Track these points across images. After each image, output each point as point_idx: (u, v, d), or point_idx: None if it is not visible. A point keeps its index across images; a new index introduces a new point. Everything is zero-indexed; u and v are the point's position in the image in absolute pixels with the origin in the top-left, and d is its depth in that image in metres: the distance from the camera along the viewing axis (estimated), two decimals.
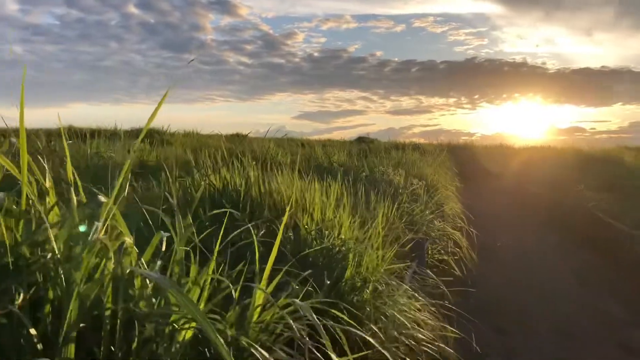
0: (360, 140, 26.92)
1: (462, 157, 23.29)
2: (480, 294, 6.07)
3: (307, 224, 3.67)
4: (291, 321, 2.07)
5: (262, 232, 3.36)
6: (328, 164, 7.03)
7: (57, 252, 1.74)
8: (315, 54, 51.52)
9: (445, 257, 6.16)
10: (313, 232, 3.57)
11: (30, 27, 46.28)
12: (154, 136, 20.40)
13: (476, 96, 53.44)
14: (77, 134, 9.77)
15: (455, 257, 6.35)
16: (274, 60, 51.34)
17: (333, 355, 1.94)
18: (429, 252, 6.02)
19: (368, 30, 54.90)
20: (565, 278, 7.46)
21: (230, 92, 52.42)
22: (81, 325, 1.68)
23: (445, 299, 5.93)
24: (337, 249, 3.41)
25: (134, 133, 20.41)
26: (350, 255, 3.27)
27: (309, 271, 2.75)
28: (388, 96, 53.00)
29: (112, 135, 18.82)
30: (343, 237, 3.60)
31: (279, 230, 2.50)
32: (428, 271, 4.77)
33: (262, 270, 2.30)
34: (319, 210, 3.80)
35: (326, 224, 3.65)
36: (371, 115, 50.84)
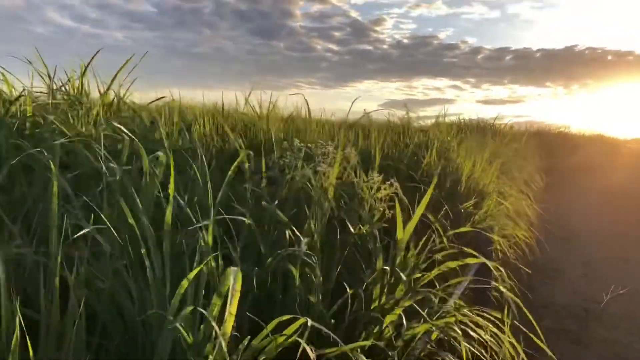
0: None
1: (552, 147, 18.30)
2: None
3: None
4: None
5: None
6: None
7: None
8: (405, 41, 47.87)
9: None
10: None
11: (130, 14, 47.19)
12: None
13: (575, 86, 47.21)
14: None
15: None
16: (361, 47, 48.44)
17: None
18: None
19: (460, 17, 50.22)
20: None
21: (317, 80, 50.16)
22: None
23: None
24: None
25: None
26: None
27: None
28: (479, 85, 48.23)
29: None
30: None
31: None
32: None
33: None
34: None
35: None
36: (461, 105, 45.93)
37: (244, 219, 1.82)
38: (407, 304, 1.97)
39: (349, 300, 1.94)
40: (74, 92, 3.02)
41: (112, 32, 47.02)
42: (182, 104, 4.00)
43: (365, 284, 2.06)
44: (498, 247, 3.97)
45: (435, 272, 2.15)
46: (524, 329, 2.53)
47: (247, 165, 2.17)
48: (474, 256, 2.63)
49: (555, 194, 11.37)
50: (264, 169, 2.20)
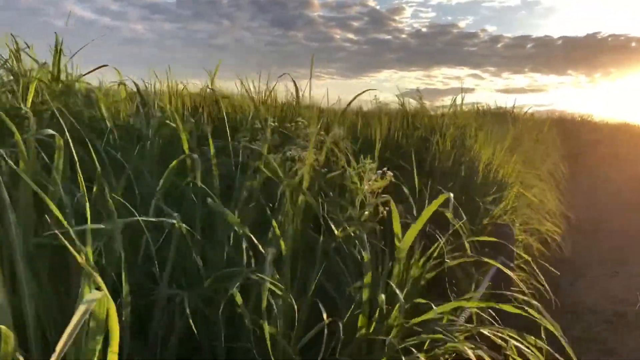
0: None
1: (575, 135, 17.57)
2: None
3: None
4: None
5: None
6: None
7: None
8: (423, 30, 47.22)
9: None
10: None
11: (149, 5, 47.40)
12: None
13: (598, 74, 45.95)
14: None
15: None
16: (380, 37, 47.87)
17: None
18: None
19: (480, 5, 49.21)
20: None
21: (336, 70, 49.62)
22: None
23: None
24: None
25: None
26: None
27: None
28: (500, 74, 47.14)
29: None
30: None
31: None
32: None
33: None
34: None
35: None
36: (480, 94, 44.83)
37: (173, 220, 1.32)
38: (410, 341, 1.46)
39: (325, 330, 1.44)
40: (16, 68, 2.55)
41: (132, 24, 46.81)
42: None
43: (347, 309, 1.55)
44: (520, 244, 3.42)
45: (453, 304, 1.63)
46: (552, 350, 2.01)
47: (187, 148, 1.66)
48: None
49: (579, 183, 10.71)
50: (213, 154, 1.69)
